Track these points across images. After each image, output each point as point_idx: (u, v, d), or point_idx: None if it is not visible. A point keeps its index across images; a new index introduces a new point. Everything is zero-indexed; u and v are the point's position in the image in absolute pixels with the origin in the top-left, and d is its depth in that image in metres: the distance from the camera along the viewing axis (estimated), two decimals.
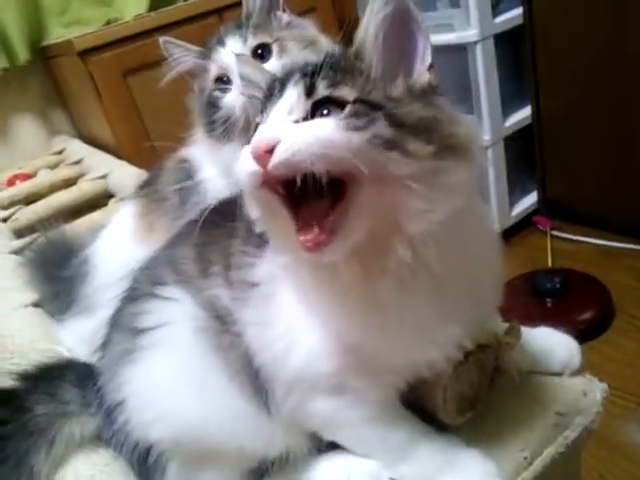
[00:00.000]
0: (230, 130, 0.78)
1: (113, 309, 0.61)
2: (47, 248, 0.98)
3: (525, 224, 1.91)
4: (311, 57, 0.70)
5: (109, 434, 0.56)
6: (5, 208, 1.43)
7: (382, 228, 0.41)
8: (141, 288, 0.59)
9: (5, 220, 1.36)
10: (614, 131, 1.59)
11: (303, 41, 0.80)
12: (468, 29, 1.63)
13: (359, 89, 0.42)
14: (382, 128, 0.39)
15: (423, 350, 0.47)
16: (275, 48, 0.79)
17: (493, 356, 0.56)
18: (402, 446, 0.52)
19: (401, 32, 0.43)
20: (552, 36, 1.63)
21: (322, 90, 0.42)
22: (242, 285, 0.52)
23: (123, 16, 1.89)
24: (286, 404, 0.52)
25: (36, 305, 0.90)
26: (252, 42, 0.79)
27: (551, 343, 0.62)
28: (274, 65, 0.77)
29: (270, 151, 0.38)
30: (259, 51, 0.79)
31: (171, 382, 0.52)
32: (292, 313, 0.49)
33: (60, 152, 1.79)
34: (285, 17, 0.84)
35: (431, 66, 0.43)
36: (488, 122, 1.72)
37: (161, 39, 0.83)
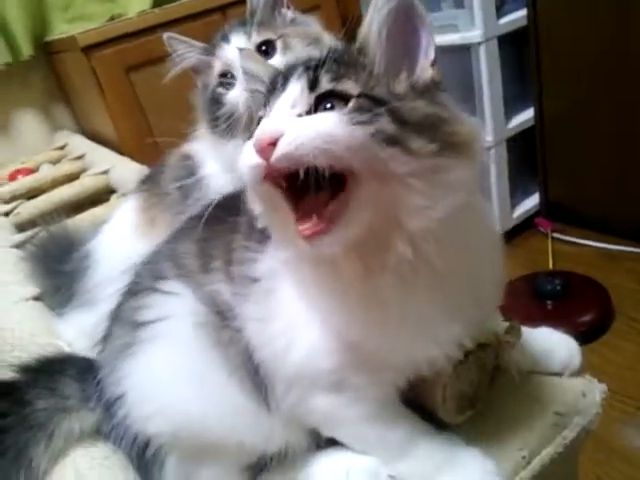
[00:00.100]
0: (233, 126, 0.78)
1: (114, 303, 0.61)
2: (49, 242, 0.99)
3: (526, 226, 1.91)
4: (315, 53, 0.70)
5: (108, 428, 0.56)
6: (7, 202, 1.43)
7: (382, 224, 0.41)
8: (142, 282, 0.59)
9: (7, 214, 1.37)
10: (617, 133, 1.59)
11: (307, 38, 0.80)
12: (472, 30, 1.63)
13: (363, 84, 0.42)
14: (385, 124, 0.39)
15: (423, 348, 0.47)
16: (279, 45, 0.79)
17: (493, 355, 0.56)
18: (401, 444, 0.52)
19: (405, 28, 0.43)
20: (556, 37, 1.63)
21: (325, 84, 0.42)
22: (243, 280, 0.52)
23: (127, 12, 1.89)
24: (286, 400, 0.52)
25: (37, 299, 0.90)
26: (256, 39, 0.79)
27: (551, 343, 0.62)
28: (278, 61, 0.77)
29: (273, 144, 0.38)
30: (263, 47, 0.79)
31: (171, 376, 0.52)
32: (293, 309, 0.49)
33: (62, 147, 1.80)
34: (289, 14, 0.84)
35: (434, 62, 0.43)
36: (491, 123, 1.72)
37: (165, 35, 0.83)
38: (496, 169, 1.78)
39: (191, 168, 0.85)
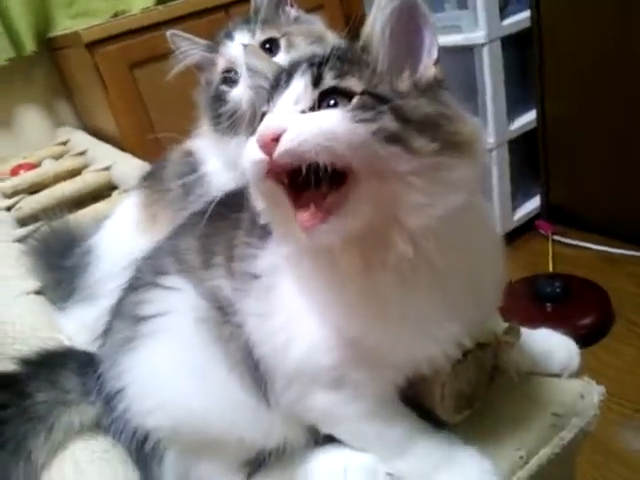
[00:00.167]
0: (236, 124, 0.78)
1: (115, 298, 0.61)
2: (50, 237, 0.99)
3: (527, 228, 1.91)
4: (319, 51, 0.71)
5: (108, 421, 0.57)
6: (9, 197, 1.43)
7: (382, 221, 0.41)
8: (144, 277, 0.59)
9: (9, 209, 1.37)
10: (620, 136, 1.59)
11: (311, 36, 0.80)
12: (475, 31, 1.63)
13: (366, 81, 0.42)
14: (388, 122, 0.39)
15: (423, 345, 0.47)
16: (283, 43, 0.79)
17: (492, 355, 0.56)
18: (399, 442, 0.52)
19: (408, 27, 0.43)
20: (559, 39, 1.63)
21: (329, 80, 0.42)
22: (244, 276, 0.52)
23: (131, 9, 1.89)
24: (285, 396, 0.52)
25: (38, 293, 0.90)
26: (260, 36, 0.79)
27: (551, 344, 0.62)
28: (282, 60, 0.77)
29: (276, 140, 0.38)
30: (267, 45, 0.79)
31: (172, 371, 0.53)
32: (293, 305, 0.49)
33: (64, 143, 1.80)
34: (293, 12, 0.84)
35: (437, 61, 0.43)
36: (493, 125, 1.72)
37: (169, 32, 0.83)
38: (498, 171, 1.78)
39: (193, 165, 0.85)
